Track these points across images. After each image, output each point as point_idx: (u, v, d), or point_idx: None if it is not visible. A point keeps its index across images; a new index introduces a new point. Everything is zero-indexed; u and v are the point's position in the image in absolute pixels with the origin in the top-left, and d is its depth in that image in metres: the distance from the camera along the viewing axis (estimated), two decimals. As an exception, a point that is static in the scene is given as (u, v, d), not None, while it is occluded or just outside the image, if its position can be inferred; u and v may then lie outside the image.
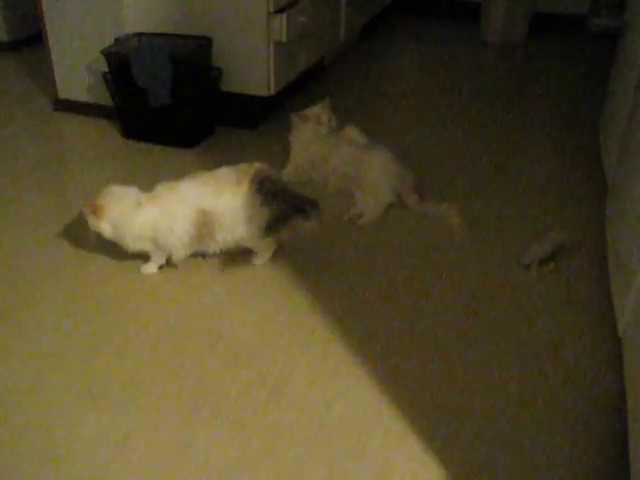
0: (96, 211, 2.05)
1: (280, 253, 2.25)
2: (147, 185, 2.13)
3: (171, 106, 2.82)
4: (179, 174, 2.14)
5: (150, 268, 2.18)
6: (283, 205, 2.06)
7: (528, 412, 1.64)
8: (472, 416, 1.63)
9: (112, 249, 2.19)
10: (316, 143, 2.66)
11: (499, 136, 3.14)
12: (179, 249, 2.10)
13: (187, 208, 2.04)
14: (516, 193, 2.63)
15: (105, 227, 2.06)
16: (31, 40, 4.27)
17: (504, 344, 1.86)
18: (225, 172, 2.11)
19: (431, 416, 1.63)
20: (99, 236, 2.09)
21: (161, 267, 2.19)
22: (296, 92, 3.49)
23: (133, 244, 2.09)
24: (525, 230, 2.38)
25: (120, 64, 2.85)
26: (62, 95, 3.34)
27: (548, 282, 2.12)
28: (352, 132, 2.65)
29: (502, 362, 1.80)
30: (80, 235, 2.35)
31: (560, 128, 3.22)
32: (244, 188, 2.05)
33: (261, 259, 2.22)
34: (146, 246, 2.11)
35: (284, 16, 2.87)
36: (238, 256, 2.23)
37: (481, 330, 1.91)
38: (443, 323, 1.94)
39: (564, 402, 1.67)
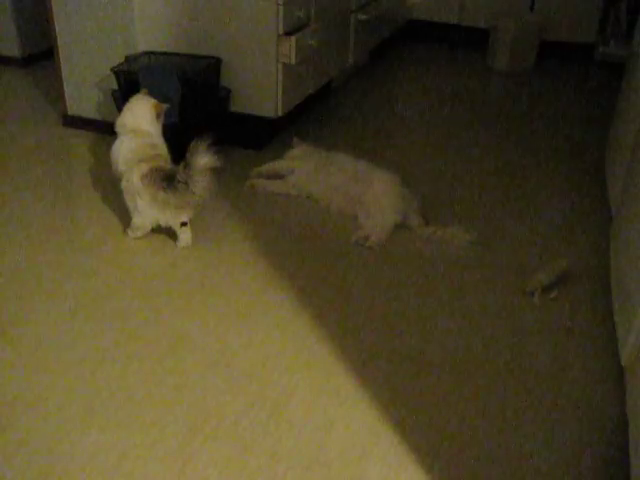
0: None
1: (285, 274, 2.25)
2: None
3: (179, 125, 2.84)
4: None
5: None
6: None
7: (529, 441, 1.63)
8: (473, 443, 1.62)
9: (121, 270, 2.21)
10: (310, 165, 2.72)
11: (504, 163, 3.15)
12: None
13: (116, 149, 2.43)
14: (520, 220, 2.63)
15: None
16: (42, 56, 4.31)
17: (505, 371, 1.85)
18: (148, 150, 2.37)
19: (432, 442, 1.62)
20: None
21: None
22: (303, 114, 3.51)
23: None
24: (529, 257, 2.38)
25: (129, 82, 2.87)
26: (71, 111, 3.37)
27: (551, 309, 2.12)
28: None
29: (503, 389, 1.79)
30: (85, 250, 2.36)
31: (566, 156, 3.23)
32: (139, 167, 2.28)
33: (182, 240, 2.39)
34: None
35: (293, 39, 2.89)
36: (243, 275, 2.24)
37: (483, 356, 1.91)
38: (445, 347, 1.94)
39: (565, 431, 1.66)
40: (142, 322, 2.02)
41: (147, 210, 2.30)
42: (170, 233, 2.38)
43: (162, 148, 2.46)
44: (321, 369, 1.85)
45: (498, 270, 2.31)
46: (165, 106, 2.53)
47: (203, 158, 2.19)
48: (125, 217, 2.44)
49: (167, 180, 2.22)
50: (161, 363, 1.86)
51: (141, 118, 2.46)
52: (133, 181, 2.28)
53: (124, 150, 2.39)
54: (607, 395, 1.78)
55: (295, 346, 1.94)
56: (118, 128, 2.47)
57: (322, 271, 2.30)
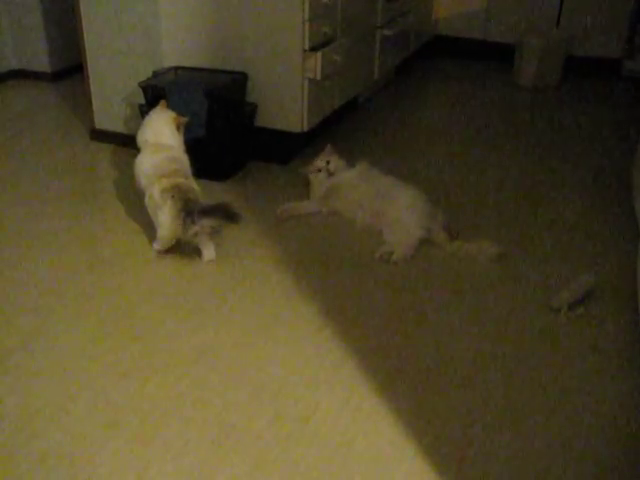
0: None
1: (309, 289, 2.25)
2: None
3: (205, 139, 2.86)
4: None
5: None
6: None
7: (553, 457, 1.61)
8: (497, 459, 1.60)
9: (146, 284, 2.23)
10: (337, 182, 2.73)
11: (530, 178, 3.13)
12: None
13: (139, 165, 2.47)
14: (546, 235, 2.61)
15: None
16: (71, 71, 4.38)
17: (529, 388, 1.83)
18: (169, 164, 2.39)
19: (455, 458, 1.60)
20: None
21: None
22: (329, 129, 3.52)
23: None
24: (555, 273, 2.36)
25: (156, 97, 2.90)
26: (99, 125, 3.41)
27: (577, 327, 2.09)
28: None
29: (526, 406, 1.77)
30: (110, 264, 2.38)
31: (592, 171, 3.20)
32: (160, 182, 2.31)
33: (206, 255, 2.40)
34: None
35: (319, 54, 2.91)
36: (266, 290, 2.24)
37: (507, 373, 1.89)
38: (470, 363, 1.92)
39: (590, 449, 1.63)
40: (165, 335, 2.03)
41: (168, 224, 2.32)
42: (195, 247, 2.39)
43: (183, 162, 2.48)
44: (344, 384, 1.84)
45: (524, 286, 2.29)
46: (184, 119, 2.55)
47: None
48: (151, 230, 2.46)
49: (186, 212, 2.25)
50: (184, 377, 1.86)
51: (161, 133, 2.49)
52: (154, 196, 2.31)
53: (146, 166, 2.42)
54: (632, 415, 1.75)
55: (318, 361, 1.93)
56: (140, 143, 2.50)
57: (346, 286, 2.29)
